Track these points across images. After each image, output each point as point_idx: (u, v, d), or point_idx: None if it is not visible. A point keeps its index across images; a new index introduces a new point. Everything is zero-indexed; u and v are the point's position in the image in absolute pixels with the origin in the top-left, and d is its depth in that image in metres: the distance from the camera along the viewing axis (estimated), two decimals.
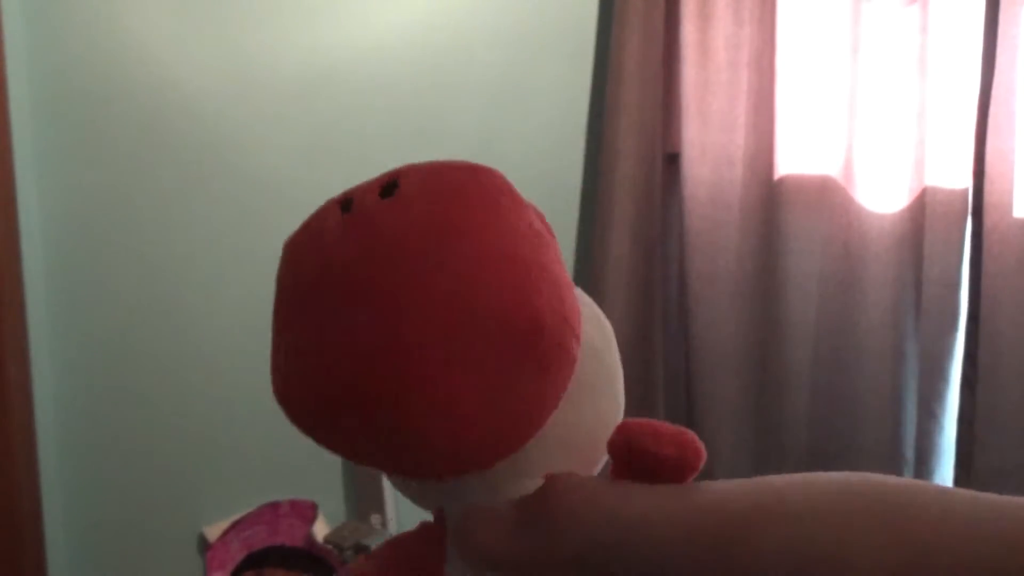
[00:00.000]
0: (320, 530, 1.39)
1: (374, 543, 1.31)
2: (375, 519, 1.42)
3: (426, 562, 0.26)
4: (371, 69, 1.42)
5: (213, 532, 1.40)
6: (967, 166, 1.31)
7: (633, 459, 0.21)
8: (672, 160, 1.44)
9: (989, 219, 1.26)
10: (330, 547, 1.30)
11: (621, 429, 0.21)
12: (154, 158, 1.41)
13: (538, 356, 0.19)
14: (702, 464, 0.21)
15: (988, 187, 1.26)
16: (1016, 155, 1.25)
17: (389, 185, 0.20)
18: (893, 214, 1.35)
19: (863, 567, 0.18)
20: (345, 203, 0.21)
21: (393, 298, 0.19)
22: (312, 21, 1.41)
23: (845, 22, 1.33)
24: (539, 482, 0.22)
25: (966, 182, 1.31)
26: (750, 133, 1.37)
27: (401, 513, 1.48)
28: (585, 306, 0.23)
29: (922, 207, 1.33)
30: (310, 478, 1.47)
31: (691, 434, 0.21)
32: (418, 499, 0.26)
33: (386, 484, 1.44)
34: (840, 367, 1.37)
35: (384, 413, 0.20)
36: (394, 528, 1.44)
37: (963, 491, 0.20)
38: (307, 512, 1.37)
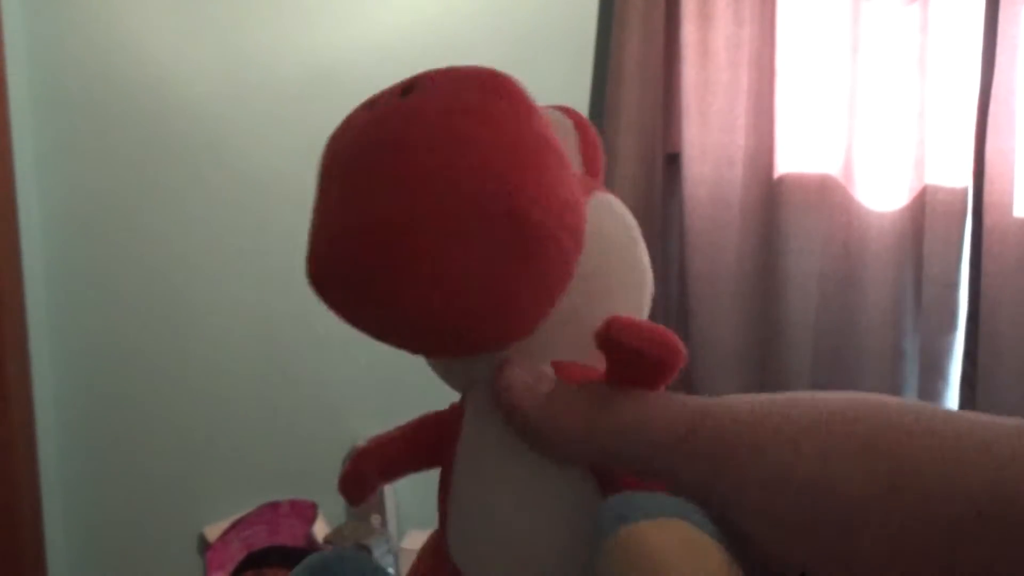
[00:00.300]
0: (320, 530, 1.39)
1: (374, 543, 1.31)
2: (375, 519, 1.42)
3: (445, 433, 0.27)
4: (370, 69, 1.42)
5: (213, 532, 1.40)
6: (967, 165, 1.31)
7: (613, 352, 0.22)
8: (672, 160, 1.44)
9: (989, 219, 1.26)
10: (330, 547, 1.30)
11: (607, 321, 0.21)
12: (154, 158, 1.41)
13: (520, 244, 0.21)
14: (681, 365, 0.22)
15: (988, 187, 1.26)
16: (1016, 155, 1.25)
17: (409, 88, 0.23)
18: (893, 213, 1.35)
19: (846, 493, 0.18)
20: (372, 104, 0.23)
21: (389, 178, 0.21)
22: (312, 21, 1.41)
23: (845, 22, 1.33)
24: (549, 368, 0.24)
25: (966, 181, 1.31)
26: (750, 133, 1.37)
27: (401, 513, 1.48)
28: (608, 210, 0.25)
29: (922, 206, 1.33)
30: (310, 478, 1.47)
31: (673, 335, 0.21)
32: (445, 378, 0.27)
33: (386, 484, 1.44)
34: (840, 366, 1.37)
35: (380, 286, 0.21)
36: (394, 528, 1.44)
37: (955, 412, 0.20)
38: (307, 512, 1.37)
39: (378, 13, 1.42)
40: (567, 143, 0.26)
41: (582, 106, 1.47)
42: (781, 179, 1.38)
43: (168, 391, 1.45)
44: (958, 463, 0.18)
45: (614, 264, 0.25)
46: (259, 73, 1.41)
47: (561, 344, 0.24)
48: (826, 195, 1.37)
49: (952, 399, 1.34)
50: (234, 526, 1.34)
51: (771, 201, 1.38)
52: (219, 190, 1.42)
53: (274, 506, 1.38)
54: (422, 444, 0.29)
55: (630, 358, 0.21)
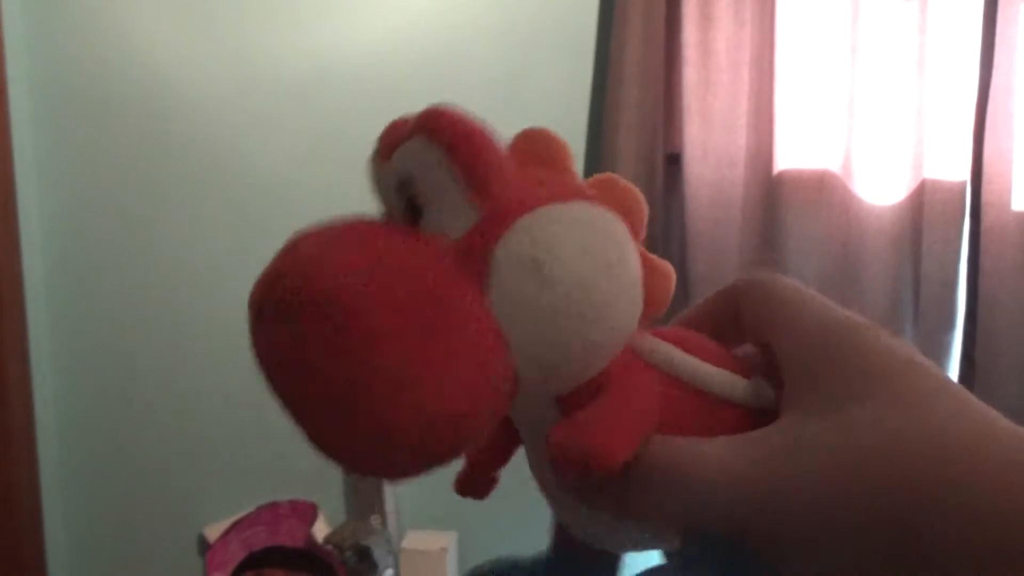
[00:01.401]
0: (320, 530, 1.39)
1: (374, 543, 1.31)
2: (375, 519, 1.42)
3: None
4: (370, 70, 1.42)
5: (213, 532, 1.40)
6: (965, 164, 1.31)
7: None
8: (673, 160, 1.44)
9: (987, 218, 1.26)
10: (330, 547, 1.30)
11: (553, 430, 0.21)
12: (153, 160, 1.41)
13: (428, 455, 0.22)
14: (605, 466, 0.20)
15: (986, 186, 1.26)
16: (1014, 153, 1.25)
17: (259, 310, 0.23)
18: (891, 210, 1.35)
19: None
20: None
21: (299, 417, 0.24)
22: (311, 23, 1.41)
23: (844, 22, 1.33)
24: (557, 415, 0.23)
25: (964, 179, 1.32)
26: (751, 133, 1.37)
27: (401, 513, 1.48)
28: (572, 237, 0.22)
29: (920, 204, 1.33)
30: (310, 478, 1.47)
31: (603, 452, 0.20)
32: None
33: (386, 484, 1.44)
34: None
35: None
36: (394, 528, 1.44)
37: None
38: (307, 512, 1.37)
39: (378, 14, 1.42)
40: (440, 182, 0.22)
41: (582, 106, 1.47)
42: (780, 175, 1.38)
43: (168, 391, 1.45)
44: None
45: (540, 305, 0.21)
46: (259, 74, 1.41)
47: (562, 382, 0.23)
48: (825, 192, 1.37)
49: None
50: (234, 526, 1.34)
51: (771, 200, 1.39)
52: (219, 190, 1.43)
53: (274, 506, 1.38)
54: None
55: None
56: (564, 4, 1.44)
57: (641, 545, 0.24)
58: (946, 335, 1.35)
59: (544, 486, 0.25)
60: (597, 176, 0.25)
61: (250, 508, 1.38)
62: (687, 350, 0.23)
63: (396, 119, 0.25)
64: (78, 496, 1.46)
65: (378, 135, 0.25)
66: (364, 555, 1.29)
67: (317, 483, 1.47)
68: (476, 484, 0.27)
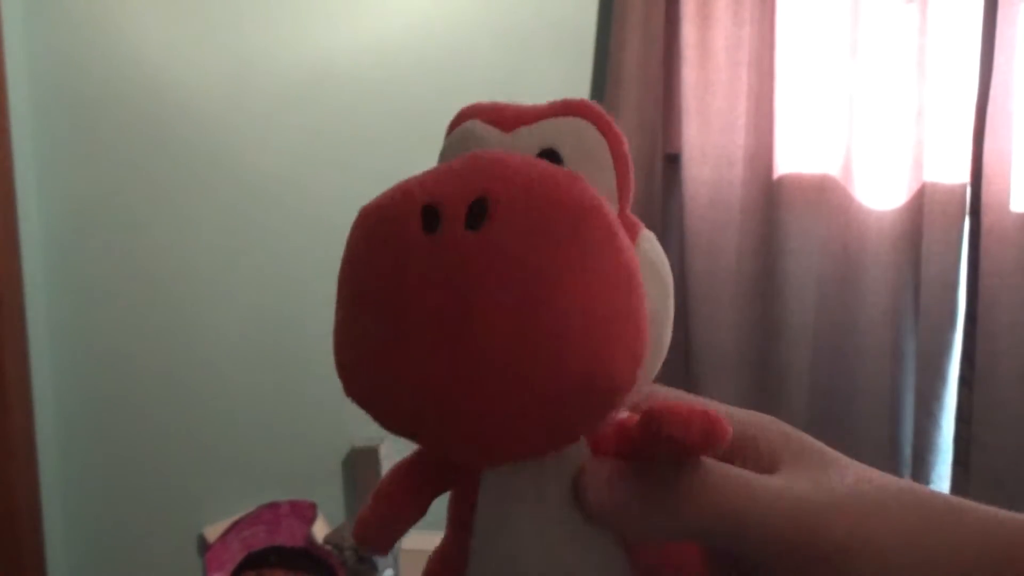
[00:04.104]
0: (320, 530, 1.39)
1: None
2: None
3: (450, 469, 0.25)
4: (370, 70, 1.43)
5: (213, 532, 1.41)
6: (965, 166, 1.31)
7: (657, 445, 0.20)
8: (672, 160, 1.44)
9: (987, 219, 1.26)
10: (330, 547, 1.30)
11: (651, 414, 0.19)
12: (153, 160, 1.41)
13: (595, 409, 0.20)
14: (724, 446, 0.20)
15: (986, 187, 1.26)
16: (1014, 155, 1.25)
17: (478, 205, 0.19)
18: (891, 213, 1.35)
19: None
20: (430, 218, 0.19)
21: (471, 354, 0.19)
22: (310, 23, 1.41)
23: (844, 22, 1.33)
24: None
25: (964, 182, 1.32)
26: (750, 133, 1.37)
27: None
28: (653, 254, 0.23)
29: (920, 206, 1.34)
30: (310, 478, 1.47)
31: (717, 419, 0.19)
32: None
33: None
34: (839, 366, 1.37)
35: (453, 446, 0.21)
36: None
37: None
38: (307, 512, 1.37)
39: (378, 15, 1.42)
40: (598, 162, 0.23)
41: None
42: (780, 179, 1.38)
43: (168, 392, 1.45)
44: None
45: (658, 306, 0.23)
46: (258, 75, 1.41)
47: None
48: (825, 195, 1.37)
49: (950, 398, 1.35)
50: (234, 526, 1.34)
51: (771, 201, 1.38)
52: (218, 192, 1.43)
53: (274, 506, 1.38)
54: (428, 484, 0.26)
55: (673, 451, 0.20)
56: (564, 4, 1.44)
57: None
58: (946, 336, 1.35)
59: (489, 519, 0.24)
60: None
61: (250, 508, 1.38)
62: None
63: (476, 103, 0.25)
64: (78, 496, 1.46)
65: (473, 108, 0.25)
66: (364, 555, 1.29)
67: (317, 483, 1.47)
68: (388, 536, 0.25)
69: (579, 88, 1.46)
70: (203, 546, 1.44)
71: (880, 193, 1.36)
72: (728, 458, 0.22)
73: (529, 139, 0.23)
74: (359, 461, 1.43)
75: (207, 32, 1.40)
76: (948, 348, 1.35)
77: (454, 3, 1.43)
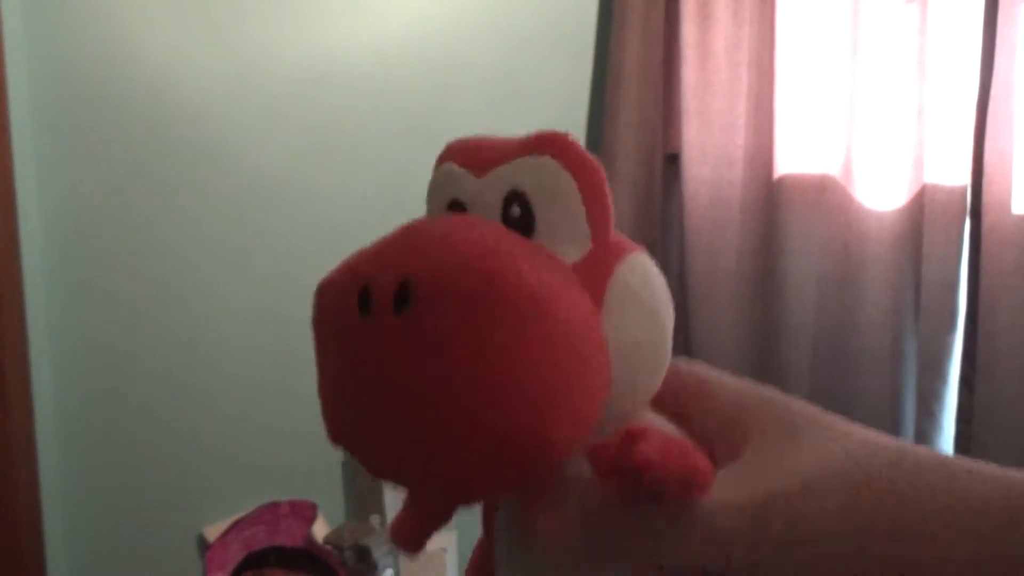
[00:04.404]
0: (320, 530, 1.39)
1: (374, 543, 1.31)
2: (375, 519, 1.42)
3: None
4: (370, 70, 1.43)
5: (213, 532, 1.40)
6: (966, 166, 1.31)
7: (633, 480, 0.20)
8: (672, 160, 1.44)
9: (988, 219, 1.26)
10: (330, 547, 1.30)
11: (627, 450, 0.20)
12: (153, 159, 1.41)
13: (542, 463, 0.21)
14: (704, 492, 0.20)
15: (987, 187, 1.26)
16: (1015, 155, 1.25)
17: (401, 290, 0.20)
18: (892, 213, 1.35)
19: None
20: (364, 300, 0.21)
21: (403, 422, 0.21)
22: (310, 22, 1.41)
23: (844, 22, 1.33)
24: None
25: (965, 181, 1.32)
26: (750, 133, 1.37)
27: None
28: (626, 297, 0.23)
29: (921, 206, 1.33)
30: (310, 478, 1.47)
31: (697, 462, 0.20)
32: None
33: (386, 484, 1.44)
34: (839, 366, 1.37)
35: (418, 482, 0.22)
36: None
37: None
38: (307, 512, 1.37)
39: (378, 15, 1.42)
40: (563, 200, 0.23)
41: (582, 106, 1.47)
42: (781, 179, 1.38)
43: (168, 391, 1.45)
44: (953, 529, 0.18)
45: (635, 361, 0.23)
46: (258, 74, 1.41)
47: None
48: (825, 196, 1.37)
49: (951, 399, 1.35)
50: (234, 526, 1.34)
51: (771, 201, 1.38)
52: (218, 191, 1.43)
53: (274, 506, 1.38)
54: None
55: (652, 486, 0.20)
56: (564, 4, 1.44)
57: None
58: (947, 337, 1.35)
59: (505, 531, 0.25)
60: None
61: (250, 508, 1.38)
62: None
63: (462, 138, 0.25)
64: (78, 496, 1.46)
65: (450, 150, 0.25)
66: (364, 555, 1.29)
67: (317, 483, 1.47)
68: (419, 540, 0.26)
69: (579, 88, 1.46)
70: (203, 546, 1.44)
71: (880, 193, 1.35)
72: (710, 437, 0.23)
73: (498, 183, 0.23)
74: None
75: (208, 31, 1.40)
76: (949, 348, 1.35)
77: (454, 3, 1.43)
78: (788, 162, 1.39)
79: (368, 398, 0.21)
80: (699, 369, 0.26)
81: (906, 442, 0.22)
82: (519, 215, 0.23)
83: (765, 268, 1.39)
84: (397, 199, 1.44)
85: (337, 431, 0.23)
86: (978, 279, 1.28)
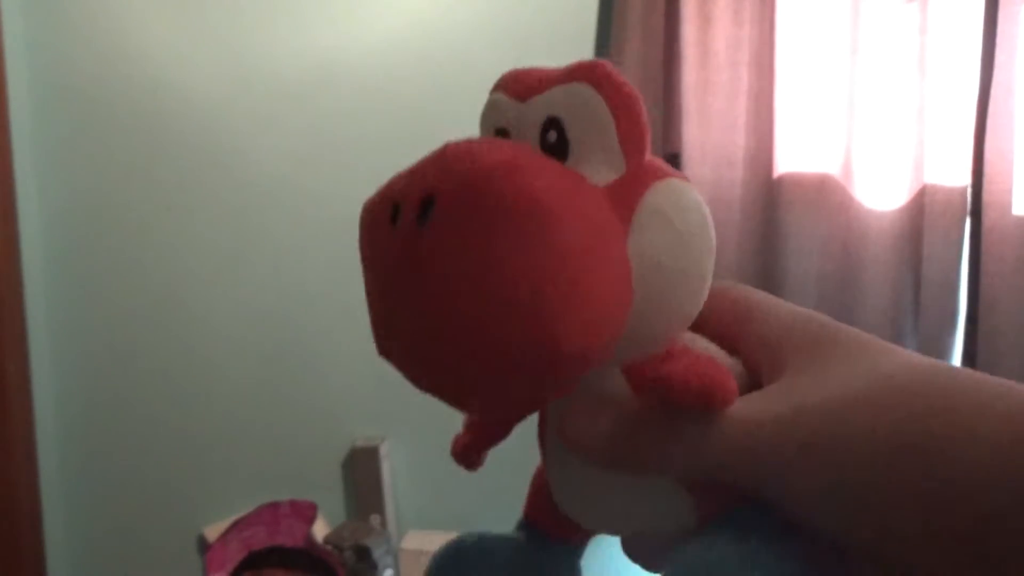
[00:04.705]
0: (320, 530, 1.39)
1: (374, 543, 1.31)
2: (375, 519, 1.42)
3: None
4: (369, 70, 1.42)
5: (213, 532, 1.41)
6: (966, 165, 1.31)
7: (658, 396, 0.22)
8: (672, 160, 1.44)
9: (988, 219, 1.26)
10: (330, 547, 1.30)
11: (648, 374, 0.22)
12: (153, 159, 1.41)
13: (557, 375, 0.21)
14: (730, 402, 0.22)
15: (987, 187, 1.26)
16: (1015, 155, 1.25)
17: (428, 202, 0.21)
18: (892, 213, 1.35)
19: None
20: (395, 213, 0.22)
21: (424, 327, 0.22)
22: (310, 22, 1.41)
23: (844, 22, 1.33)
24: (618, 373, 0.24)
25: (965, 181, 1.31)
26: (750, 133, 1.37)
27: (401, 513, 1.48)
28: (654, 217, 0.23)
29: (921, 206, 1.33)
30: (310, 478, 1.47)
31: (717, 387, 0.21)
32: None
33: (386, 484, 1.44)
34: None
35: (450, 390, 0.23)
36: (394, 528, 1.44)
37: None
38: (307, 512, 1.37)
39: (378, 14, 1.42)
40: (596, 123, 0.23)
41: None
42: (780, 178, 1.38)
43: (168, 392, 1.45)
44: (1005, 452, 0.18)
45: (666, 284, 0.23)
46: (258, 74, 1.41)
47: (630, 351, 0.23)
48: (825, 195, 1.37)
49: None
50: (234, 526, 1.34)
51: (771, 201, 1.38)
52: (218, 191, 1.43)
53: (274, 506, 1.38)
54: None
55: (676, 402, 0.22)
56: (564, 4, 1.44)
57: (628, 525, 0.26)
58: (947, 337, 1.34)
59: (556, 450, 0.26)
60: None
61: (250, 508, 1.38)
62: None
63: (515, 69, 0.26)
64: (78, 496, 1.46)
65: (501, 81, 0.26)
66: (364, 555, 1.29)
67: (317, 483, 1.47)
68: (472, 455, 0.28)
69: None
70: (203, 546, 1.44)
71: (880, 193, 1.35)
72: (756, 361, 0.24)
73: (537, 109, 0.24)
74: (359, 461, 1.42)
75: (208, 31, 1.40)
76: (949, 349, 1.35)
77: (454, 3, 1.43)
78: (788, 162, 1.39)
79: (394, 309, 0.22)
80: (747, 292, 0.26)
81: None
82: (555, 140, 0.24)
83: (765, 268, 1.39)
84: None
85: (379, 344, 0.24)
86: (978, 279, 1.28)
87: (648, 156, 0.24)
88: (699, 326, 0.25)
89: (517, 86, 0.25)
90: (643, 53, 1.36)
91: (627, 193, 0.23)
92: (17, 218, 1.34)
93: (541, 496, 0.29)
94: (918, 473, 0.18)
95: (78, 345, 1.43)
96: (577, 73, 0.24)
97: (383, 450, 1.42)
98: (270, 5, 1.40)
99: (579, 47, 1.46)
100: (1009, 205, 1.26)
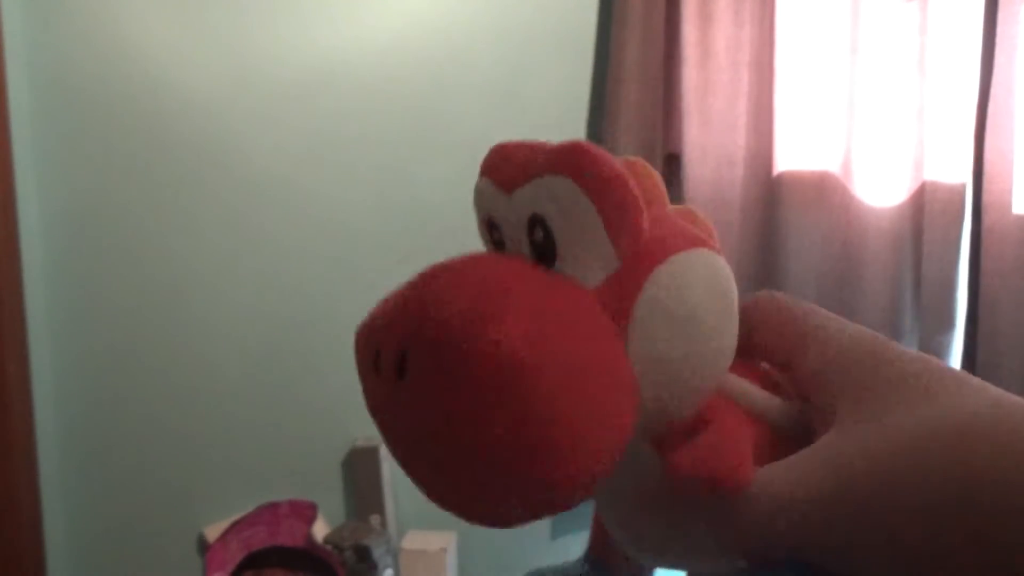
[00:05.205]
0: (320, 530, 1.39)
1: (374, 543, 1.31)
2: (375, 519, 1.42)
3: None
4: (370, 70, 1.42)
5: (213, 532, 1.40)
6: (966, 165, 1.31)
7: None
8: (672, 160, 1.44)
9: (988, 218, 1.26)
10: (330, 547, 1.30)
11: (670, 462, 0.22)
12: (153, 159, 1.41)
13: (549, 507, 0.22)
14: (738, 490, 0.21)
15: (987, 186, 1.26)
16: (1015, 154, 1.25)
17: (400, 356, 0.21)
18: (891, 210, 1.35)
19: None
20: (376, 362, 0.23)
21: (416, 466, 0.23)
22: (310, 22, 1.41)
23: (844, 22, 1.33)
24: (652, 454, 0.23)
25: (965, 178, 1.32)
26: (751, 133, 1.37)
27: (401, 513, 1.48)
28: (655, 313, 0.22)
29: (920, 205, 1.33)
30: (310, 478, 1.47)
31: (727, 479, 0.21)
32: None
33: (386, 484, 1.44)
34: None
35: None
36: (394, 528, 1.44)
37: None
38: (307, 512, 1.37)
39: (378, 14, 1.42)
40: (580, 219, 0.22)
41: (582, 106, 1.47)
42: (780, 176, 1.38)
43: (168, 391, 1.45)
44: None
45: (671, 349, 0.22)
46: (258, 73, 1.41)
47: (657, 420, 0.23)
48: (826, 193, 1.37)
49: None
50: (234, 526, 1.34)
51: (771, 199, 1.38)
52: (218, 191, 1.43)
53: (274, 506, 1.38)
54: None
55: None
56: (564, 4, 1.44)
57: (691, 565, 0.25)
58: (946, 336, 1.35)
59: (613, 512, 0.26)
60: (678, 208, 0.26)
61: (250, 508, 1.38)
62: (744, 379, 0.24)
63: (503, 144, 0.25)
64: (78, 496, 1.46)
65: (487, 162, 0.25)
66: (364, 555, 1.29)
67: (317, 483, 1.47)
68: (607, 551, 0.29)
69: (579, 88, 1.46)
70: (203, 546, 1.44)
71: (880, 191, 1.35)
72: (807, 388, 0.23)
73: (522, 204, 0.23)
74: (359, 461, 1.42)
75: (208, 31, 1.40)
76: (948, 347, 1.35)
77: (454, 3, 1.43)
78: (788, 162, 1.39)
79: (392, 443, 0.23)
80: (803, 315, 0.24)
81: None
82: (542, 239, 0.23)
83: (765, 268, 1.39)
84: (396, 199, 1.44)
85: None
86: (978, 278, 1.28)
87: (646, 236, 0.22)
88: (751, 347, 0.24)
89: (501, 175, 0.24)
90: (643, 53, 1.36)
91: (621, 291, 0.22)
92: (17, 218, 1.34)
93: (602, 531, 0.28)
94: (972, 531, 0.17)
95: (78, 345, 1.43)
96: (557, 164, 0.22)
97: (383, 450, 1.42)
98: (270, 5, 1.40)
99: (579, 47, 1.46)
100: (1009, 205, 1.26)
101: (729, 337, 0.23)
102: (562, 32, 1.45)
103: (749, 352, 0.24)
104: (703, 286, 0.23)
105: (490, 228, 0.25)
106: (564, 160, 0.22)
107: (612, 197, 0.22)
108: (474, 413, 0.20)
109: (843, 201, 1.36)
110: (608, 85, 1.39)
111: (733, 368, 0.24)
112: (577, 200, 0.22)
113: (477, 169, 0.25)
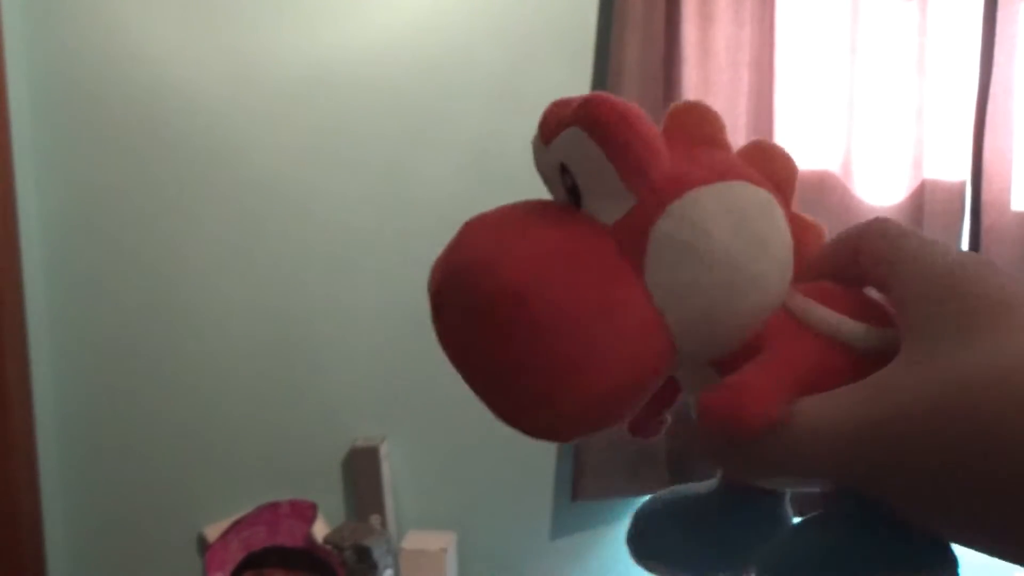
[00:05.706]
0: (320, 530, 1.39)
1: (374, 543, 1.31)
2: (375, 519, 1.42)
3: None
4: (371, 70, 1.43)
5: (213, 532, 1.40)
6: (965, 164, 1.31)
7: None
8: None
9: (987, 217, 1.27)
10: (330, 547, 1.30)
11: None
12: (153, 158, 1.41)
13: (581, 429, 0.24)
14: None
15: (986, 185, 1.26)
16: (1013, 152, 1.25)
17: (437, 300, 0.25)
18: (891, 210, 1.35)
19: None
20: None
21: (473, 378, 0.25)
22: (311, 22, 1.41)
23: (844, 22, 1.33)
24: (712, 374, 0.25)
25: (964, 177, 1.32)
26: (751, 133, 1.37)
27: (401, 513, 1.48)
28: (670, 248, 0.23)
29: (920, 203, 1.34)
30: (310, 478, 1.47)
31: (741, 418, 0.22)
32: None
33: (386, 484, 1.44)
34: None
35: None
36: (394, 528, 1.44)
37: None
38: (307, 512, 1.37)
39: (378, 14, 1.42)
40: (594, 164, 0.24)
41: None
42: None
43: (168, 391, 1.45)
44: None
45: (689, 278, 0.23)
46: (259, 72, 1.41)
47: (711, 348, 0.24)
48: (825, 192, 1.38)
49: None
50: (234, 526, 1.34)
51: None
52: (219, 190, 1.43)
53: (274, 506, 1.38)
54: None
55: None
56: (564, 4, 1.44)
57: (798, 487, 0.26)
58: None
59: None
60: (749, 143, 0.27)
61: (250, 508, 1.38)
62: (833, 307, 0.24)
63: (558, 100, 0.26)
64: (78, 496, 1.46)
65: (540, 119, 0.26)
66: (364, 555, 1.29)
67: (317, 483, 1.47)
68: (647, 425, 0.29)
69: (579, 88, 1.46)
70: (203, 546, 1.44)
71: (880, 190, 1.36)
72: (896, 310, 0.22)
73: (554, 155, 0.26)
74: (359, 461, 1.42)
75: (208, 29, 1.40)
76: None
77: (454, 3, 1.43)
78: None
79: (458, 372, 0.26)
80: (899, 240, 0.23)
81: None
82: (571, 184, 0.25)
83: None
84: (397, 198, 1.44)
85: None
86: None
87: (662, 174, 0.24)
88: (857, 273, 0.24)
89: (544, 127, 0.26)
90: (643, 53, 1.36)
91: (635, 228, 0.23)
92: (17, 218, 1.34)
93: None
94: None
95: (78, 345, 1.43)
96: (573, 116, 0.24)
97: (383, 450, 1.42)
98: (271, 4, 1.40)
99: (579, 47, 1.46)
100: (1008, 203, 1.26)
101: (765, 263, 0.24)
102: (562, 32, 1.45)
103: (857, 278, 0.24)
104: (723, 216, 0.23)
105: (544, 179, 0.27)
106: (578, 111, 0.24)
107: (619, 142, 0.23)
108: (490, 341, 0.23)
109: (843, 200, 1.36)
110: (608, 85, 1.39)
111: (834, 292, 0.24)
112: (588, 148, 0.24)
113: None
